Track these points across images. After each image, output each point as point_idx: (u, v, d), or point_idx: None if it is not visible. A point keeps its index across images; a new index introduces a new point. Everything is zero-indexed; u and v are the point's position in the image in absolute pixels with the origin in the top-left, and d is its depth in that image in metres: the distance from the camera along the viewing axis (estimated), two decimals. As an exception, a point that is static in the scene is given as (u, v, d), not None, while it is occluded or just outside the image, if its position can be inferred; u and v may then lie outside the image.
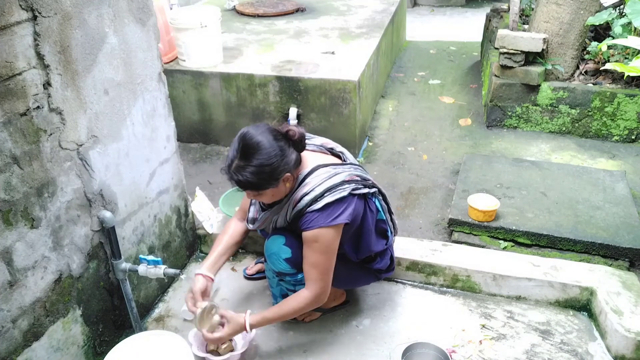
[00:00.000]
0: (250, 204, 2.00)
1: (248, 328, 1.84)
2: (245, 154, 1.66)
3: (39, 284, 1.59)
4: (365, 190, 1.84)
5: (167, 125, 2.17)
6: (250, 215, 1.99)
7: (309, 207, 1.74)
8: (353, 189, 1.78)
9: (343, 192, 1.75)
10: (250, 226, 2.00)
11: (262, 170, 1.66)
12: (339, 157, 1.93)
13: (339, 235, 1.78)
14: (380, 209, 1.95)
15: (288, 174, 1.71)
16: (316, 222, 1.73)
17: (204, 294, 1.90)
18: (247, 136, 1.67)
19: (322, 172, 1.78)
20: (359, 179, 1.84)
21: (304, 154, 1.82)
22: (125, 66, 1.85)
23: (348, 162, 1.91)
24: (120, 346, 1.81)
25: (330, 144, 1.95)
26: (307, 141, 1.86)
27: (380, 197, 1.98)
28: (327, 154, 1.92)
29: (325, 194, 1.73)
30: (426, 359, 1.90)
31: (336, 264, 1.91)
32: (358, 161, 2.95)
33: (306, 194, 1.75)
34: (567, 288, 2.17)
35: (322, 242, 1.75)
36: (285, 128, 1.74)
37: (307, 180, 1.77)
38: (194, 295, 1.88)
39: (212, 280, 1.95)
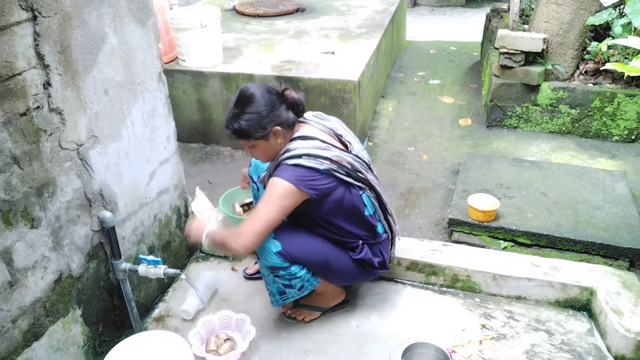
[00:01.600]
0: (267, 169, 2.12)
1: (204, 240, 1.90)
2: (240, 103, 1.82)
3: (39, 284, 1.59)
4: (348, 179, 1.87)
5: (167, 125, 2.17)
6: (262, 175, 2.12)
7: (285, 160, 1.83)
8: (332, 169, 1.82)
9: (320, 165, 1.80)
10: (258, 181, 2.16)
11: (252, 118, 1.80)
12: (345, 145, 1.95)
13: (295, 199, 1.80)
14: (366, 205, 1.95)
15: (277, 128, 1.83)
16: (282, 172, 1.81)
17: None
18: (244, 88, 1.84)
19: (312, 142, 1.85)
20: (349, 167, 1.86)
21: (308, 127, 1.92)
22: (125, 66, 1.85)
23: (352, 152, 1.93)
24: (120, 346, 1.81)
25: (341, 130, 1.99)
26: (320, 121, 1.97)
27: (372, 195, 1.98)
28: (334, 138, 1.95)
29: (303, 156, 1.81)
30: (426, 359, 1.90)
31: (329, 257, 1.93)
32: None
33: (288, 150, 1.84)
34: (567, 288, 2.17)
35: (276, 190, 1.79)
36: (284, 87, 1.87)
37: (295, 141, 1.86)
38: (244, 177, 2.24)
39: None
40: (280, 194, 1.79)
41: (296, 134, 1.89)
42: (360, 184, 1.91)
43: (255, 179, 2.23)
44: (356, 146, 1.97)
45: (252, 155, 1.95)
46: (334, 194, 1.85)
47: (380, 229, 2.01)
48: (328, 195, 1.84)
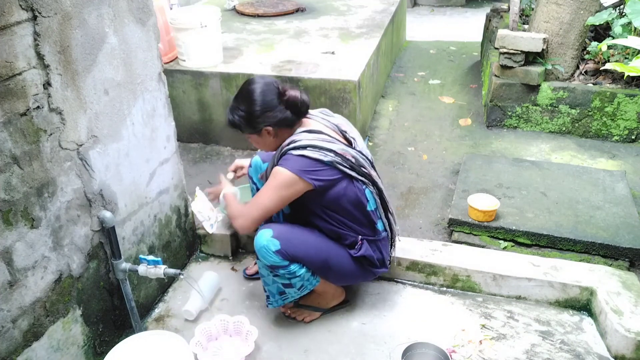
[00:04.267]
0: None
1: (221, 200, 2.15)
2: (238, 97, 1.91)
3: (39, 284, 1.59)
4: (352, 173, 1.88)
5: (167, 125, 2.17)
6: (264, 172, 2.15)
7: (290, 150, 1.85)
8: (336, 162, 1.83)
9: (325, 157, 1.83)
10: (261, 178, 2.16)
11: (243, 115, 1.88)
12: (349, 142, 1.97)
13: (296, 191, 1.85)
14: (369, 200, 1.96)
15: (269, 127, 1.88)
16: (285, 162, 1.84)
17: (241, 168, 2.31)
18: (246, 82, 1.91)
19: (318, 136, 1.88)
20: (353, 160, 1.88)
21: (313, 122, 1.95)
22: (125, 66, 1.85)
23: (356, 148, 1.95)
24: (120, 346, 1.81)
25: (345, 126, 2.02)
26: (325, 117, 2.01)
27: (374, 191, 1.98)
28: (338, 134, 1.98)
29: (308, 147, 1.84)
30: (426, 359, 1.90)
31: (329, 256, 1.94)
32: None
33: (294, 141, 1.87)
34: (567, 288, 2.17)
35: (278, 179, 1.84)
36: (286, 88, 1.89)
37: (301, 134, 1.89)
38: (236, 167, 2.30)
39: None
40: (282, 183, 1.83)
41: (302, 128, 1.92)
42: (363, 179, 1.93)
43: (256, 180, 2.24)
44: (360, 143, 1.98)
45: (251, 143, 2.01)
46: (336, 186, 1.87)
47: (380, 226, 2.02)
48: (331, 188, 1.86)
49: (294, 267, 1.89)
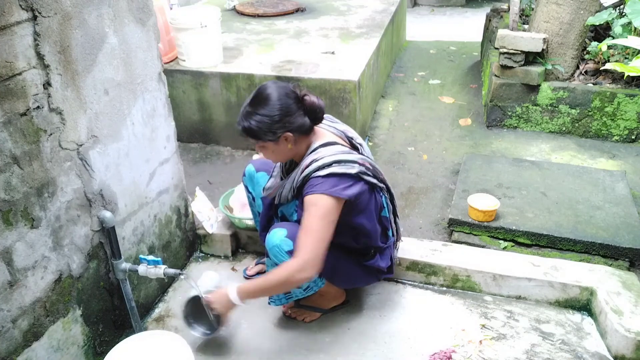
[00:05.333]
0: (271, 176, 2.04)
1: (235, 299, 1.84)
2: (254, 102, 1.78)
3: (39, 284, 1.59)
4: (374, 181, 1.86)
5: (167, 125, 2.17)
6: (268, 184, 2.04)
7: (315, 172, 1.77)
8: (361, 172, 1.80)
9: (351, 169, 1.78)
10: (263, 193, 2.05)
11: (263, 120, 1.75)
12: (356, 148, 1.95)
13: (338, 210, 1.78)
14: (385, 207, 1.95)
15: (289, 134, 1.77)
16: (319, 187, 1.75)
17: None
18: (262, 87, 1.80)
19: (336, 148, 1.82)
20: (371, 168, 1.86)
21: (324, 131, 1.88)
22: (125, 66, 1.85)
23: (364, 154, 1.94)
24: (120, 346, 1.81)
25: (351, 132, 1.98)
26: (331, 124, 1.94)
27: (387, 196, 1.99)
28: (346, 141, 1.95)
29: (333, 164, 1.77)
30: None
31: (338, 262, 1.92)
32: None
33: (315, 160, 1.79)
34: (567, 288, 2.17)
35: (320, 207, 1.75)
36: (304, 92, 1.81)
37: (319, 150, 1.81)
38: None
39: None
40: (327, 209, 1.75)
41: (317, 142, 1.84)
42: (382, 185, 1.91)
43: (251, 189, 2.20)
44: (366, 149, 1.97)
45: (262, 154, 1.91)
46: (363, 197, 1.83)
47: (390, 232, 2.02)
48: (359, 200, 1.82)
49: None
